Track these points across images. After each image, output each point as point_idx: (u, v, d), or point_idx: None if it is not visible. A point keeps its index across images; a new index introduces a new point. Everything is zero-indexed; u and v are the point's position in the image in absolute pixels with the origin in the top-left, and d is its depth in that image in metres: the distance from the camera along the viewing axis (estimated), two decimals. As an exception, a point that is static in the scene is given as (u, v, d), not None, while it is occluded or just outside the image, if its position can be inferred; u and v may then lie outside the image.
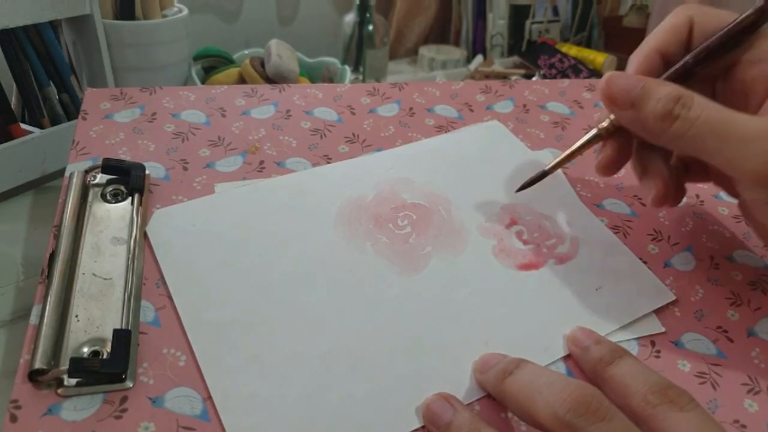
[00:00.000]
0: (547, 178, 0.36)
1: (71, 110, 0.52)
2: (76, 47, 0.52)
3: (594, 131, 0.29)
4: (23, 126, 0.48)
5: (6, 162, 0.45)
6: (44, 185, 0.49)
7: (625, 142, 0.30)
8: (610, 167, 0.30)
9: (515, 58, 1.00)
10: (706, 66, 0.28)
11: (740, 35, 0.27)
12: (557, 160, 0.31)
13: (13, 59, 0.48)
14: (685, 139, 0.26)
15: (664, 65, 0.29)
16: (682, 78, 0.28)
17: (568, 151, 0.31)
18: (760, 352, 0.28)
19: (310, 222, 0.32)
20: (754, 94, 0.28)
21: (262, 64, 0.63)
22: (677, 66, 0.28)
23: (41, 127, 0.50)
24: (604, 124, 0.29)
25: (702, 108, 0.25)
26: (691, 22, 0.29)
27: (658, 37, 0.29)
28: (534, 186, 0.36)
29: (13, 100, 0.52)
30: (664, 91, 0.26)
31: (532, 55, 0.98)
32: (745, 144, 0.24)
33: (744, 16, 0.27)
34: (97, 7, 0.49)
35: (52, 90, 0.51)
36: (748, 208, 0.28)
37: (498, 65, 0.97)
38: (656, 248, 0.33)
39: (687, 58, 0.28)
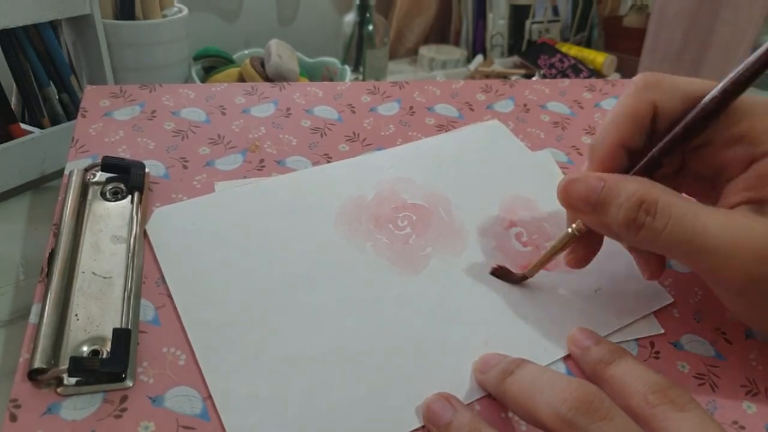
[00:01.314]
0: (546, 177, 0.37)
1: (71, 110, 0.52)
2: (76, 47, 0.52)
3: (568, 231, 0.28)
4: (23, 126, 0.48)
5: (6, 162, 0.45)
6: (44, 185, 0.49)
7: (595, 238, 0.28)
8: (581, 262, 0.29)
9: (515, 58, 1.01)
10: (675, 154, 0.26)
11: (707, 120, 0.25)
12: (534, 264, 0.29)
13: (13, 59, 0.47)
14: (654, 247, 0.25)
15: (628, 157, 0.27)
16: (650, 171, 0.26)
17: (543, 256, 0.29)
18: (758, 355, 0.28)
19: (310, 221, 0.32)
20: (727, 173, 0.26)
21: (262, 64, 0.63)
22: (643, 162, 0.26)
23: (41, 127, 0.50)
24: (575, 225, 0.27)
25: (668, 215, 0.23)
26: (653, 106, 0.26)
27: (619, 128, 0.27)
28: (534, 186, 0.36)
29: (13, 100, 0.51)
30: (624, 194, 0.24)
31: (532, 55, 0.98)
32: (717, 258, 0.23)
33: (709, 98, 0.25)
34: (97, 7, 0.49)
35: (52, 90, 0.51)
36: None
37: (498, 65, 0.97)
38: (656, 248, 0.33)
39: (653, 151, 0.26)
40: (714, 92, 0.25)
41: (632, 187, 0.24)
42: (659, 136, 0.26)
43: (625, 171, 0.27)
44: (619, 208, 0.24)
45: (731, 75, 0.24)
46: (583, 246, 0.28)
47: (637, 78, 0.27)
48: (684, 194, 0.25)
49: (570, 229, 0.28)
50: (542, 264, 0.29)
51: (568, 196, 0.26)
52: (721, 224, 0.23)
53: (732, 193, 0.26)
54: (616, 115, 0.27)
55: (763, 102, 0.26)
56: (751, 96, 0.26)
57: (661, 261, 0.28)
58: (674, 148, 0.26)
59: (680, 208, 0.24)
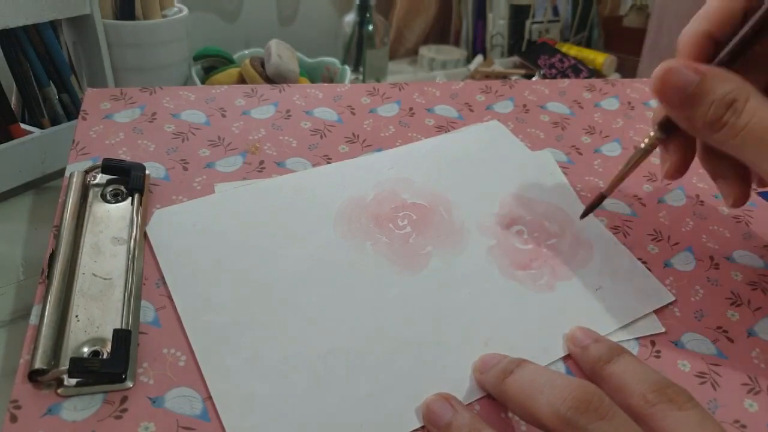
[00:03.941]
0: (546, 177, 0.37)
1: (71, 110, 0.52)
2: (76, 47, 0.52)
3: (641, 147, 0.28)
4: (23, 126, 0.48)
5: (6, 162, 0.45)
6: (44, 185, 0.49)
7: (687, 144, 0.28)
8: (678, 171, 0.28)
9: (515, 58, 1.00)
10: (761, 41, 0.25)
11: None
12: (612, 181, 0.30)
13: (13, 59, 0.48)
14: (728, 145, 0.24)
15: (714, 47, 0.26)
16: (738, 56, 0.25)
17: (620, 172, 0.29)
18: (760, 352, 0.28)
19: (310, 222, 0.32)
20: None
21: (262, 64, 0.63)
22: (731, 45, 0.25)
23: (41, 127, 0.50)
24: (647, 139, 0.28)
25: (752, 114, 0.23)
26: (747, 2, 0.25)
27: (710, 18, 0.26)
28: (534, 186, 0.36)
29: (13, 100, 0.52)
30: (720, 92, 0.24)
31: (532, 55, 0.98)
32: None
33: None
34: (97, 7, 0.49)
35: (52, 90, 0.51)
36: None
37: (498, 65, 0.97)
38: (656, 248, 0.33)
39: (736, 38, 0.25)
40: None
41: (728, 87, 0.24)
42: None
43: (709, 60, 0.26)
44: (709, 105, 0.24)
45: None
46: (676, 156, 0.28)
47: None
48: None
49: (643, 145, 0.28)
50: (619, 181, 0.29)
51: (663, 85, 0.25)
52: None
53: None
54: (709, 6, 0.26)
55: None
56: None
57: (745, 186, 0.27)
58: (760, 32, 0.24)
59: (765, 110, 0.23)
